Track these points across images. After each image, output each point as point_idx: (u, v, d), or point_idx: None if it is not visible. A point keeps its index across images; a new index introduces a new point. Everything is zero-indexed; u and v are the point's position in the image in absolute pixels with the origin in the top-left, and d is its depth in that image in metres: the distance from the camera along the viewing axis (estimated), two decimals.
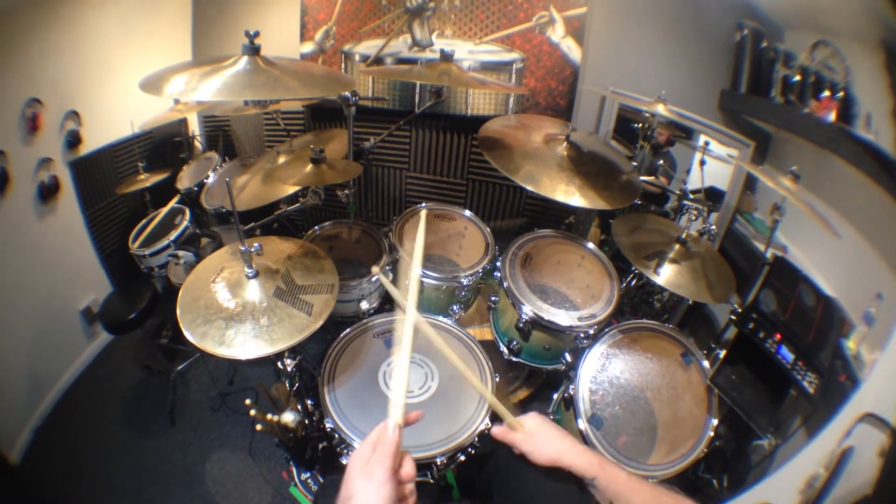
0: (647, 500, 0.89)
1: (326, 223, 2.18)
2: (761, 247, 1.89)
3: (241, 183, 2.12)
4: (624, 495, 0.91)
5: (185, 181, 2.74)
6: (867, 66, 1.62)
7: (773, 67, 2.04)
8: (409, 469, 0.79)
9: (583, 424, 1.46)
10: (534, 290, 1.80)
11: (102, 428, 2.37)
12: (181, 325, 1.33)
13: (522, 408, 2.21)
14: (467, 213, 2.24)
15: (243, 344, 1.29)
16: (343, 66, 2.90)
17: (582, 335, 1.70)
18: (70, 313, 2.57)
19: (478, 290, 2.11)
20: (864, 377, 1.41)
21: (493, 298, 1.98)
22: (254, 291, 1.42)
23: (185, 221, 2.30)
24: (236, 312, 1.36)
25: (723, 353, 1.67)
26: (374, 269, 1.85)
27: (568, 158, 1.85)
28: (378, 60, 2.82)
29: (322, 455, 1.90)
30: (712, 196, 2.35)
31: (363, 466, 0.76)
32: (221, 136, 3.24)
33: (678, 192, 2.26)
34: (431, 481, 1.37)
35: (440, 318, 1.76)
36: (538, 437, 1.02)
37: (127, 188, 2.57)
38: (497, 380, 1.54)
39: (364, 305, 1.92)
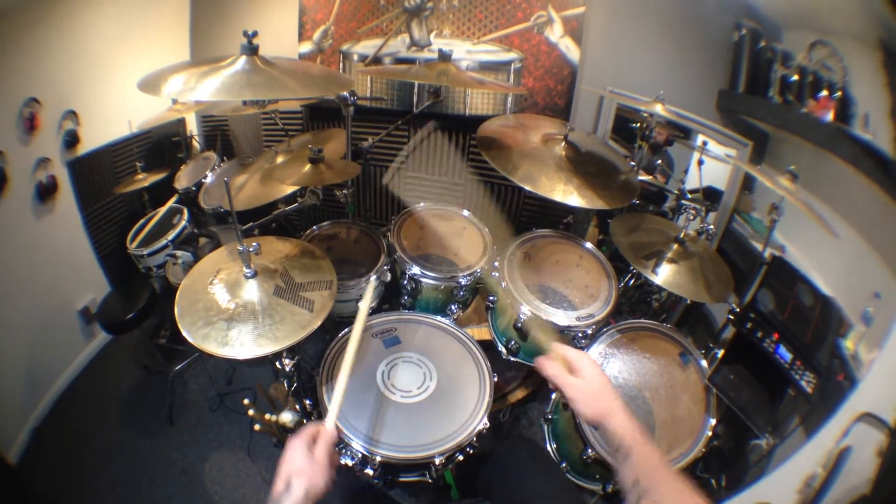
0: (671, 489, 0.81)
1: (325, 223, 2.18)
2: (759, 246, 1.89)
3: (240, 183, 2.12)
4: (652, 476, 0.82)
5: (183, 181, 2.73)
6: (865, 65, 1.62)
7: (771, 67, 2.04)
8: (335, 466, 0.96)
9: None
10: (532, 290, 1.80)
11: (101, 428, 2.37)
12: (181, 329, 1.32)
13: (520, 408, 2.21)
14: (465, 213, 2.24)
15: (246, 344, 1.29)
16: (341, 65, 2.90)
17: (580, 335, 1.69)
18: (68, 313, 2.57)
19: (476, 290, 2.11)
20: (861, 377, 1.42)
21: (491, 298, 1.98)
22: (253, 291, 1.42)
23: (183, 221, 2.30)
24: (237, 312, 1.36)
25: (721, 353, 1.67)
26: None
27: (566, 158, 1.85)
28: (376, 60, 2.82)
29: None
30: (710, 196, 2.35)
31: (306, 448, 0.94)
32: (220, 135, 3.23)
33: (676, 191, 2.27)
34: (430, 481, 1.37)
35: (438, 317, 1.76)
36: (591, 386, 0.92)
37: (125, 188, 2.57)
38: (496, 379, 1.54)
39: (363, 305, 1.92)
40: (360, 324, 1.22)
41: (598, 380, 0.92)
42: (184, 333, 1.31)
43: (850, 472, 1.12)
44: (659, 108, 2.05)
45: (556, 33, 2.56)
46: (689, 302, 2.23)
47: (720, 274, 1.76)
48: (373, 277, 1.91)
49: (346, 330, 1.66)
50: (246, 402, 1.63)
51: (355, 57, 2.85)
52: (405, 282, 1.97)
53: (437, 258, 2.24)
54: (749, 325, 1.57)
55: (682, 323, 2.41)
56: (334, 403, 1.07)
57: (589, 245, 2.00)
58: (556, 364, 0.97)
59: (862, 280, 1.63)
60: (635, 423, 0.88)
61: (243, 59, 1.29)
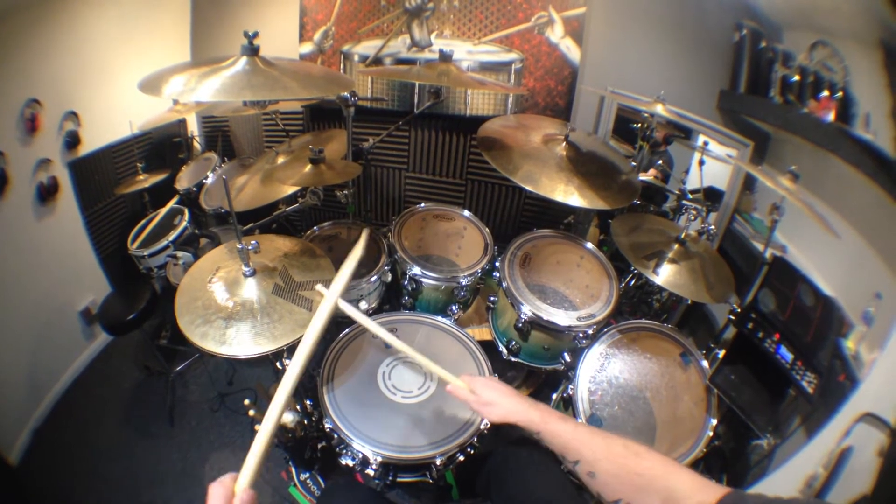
0: (597, 451, 0.89)
1: (325, 223, 2.18)
2: (760, 246, 1.89)
3: (240, 183, 2.12)
4: (571, 447, 0.93)
5: (183, 182, 2.74)
6: (866, 65, 1.62)
7: (771, 67, 2.04)
8: None
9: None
10: (533, 290, 1.80)
11: (101, 429, 2.37)
12: (180, 327, 1.33)
13: None
14: (466, 213, 2.24)
15: (245, 342, 1.29)
16: (342, 66, 2.90)
17: (581, 335, 1.70)
18: (69, 314, 2.57)
19: (477, 290, 2.11)
20: (863, 377, 1.41)
21: (491, 298, 1.98)
22: (252, 290, 1.42)
23: (183, 222, 2.31)
24: (235, 311, 1.36)
25: (722, 353, 1.67)
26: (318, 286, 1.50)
27: (567, 158, 1.85)
28: (377, 61, 2.82)
29: (321, 455, 1.90)
30: (711, 196, 2.35)
31: None
32: (220, 136, 3.24)
33: (677, 191, 2.26)
34: (430, 481, 1.37)
35: (439, 318, 1.76)
36: (486, 398, 1.09)
37: (126, 189, 2.58)
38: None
39: (363, 306, 1.92)
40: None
41: (488, 391, 1.10)
42: (183, 331, 1.31)
43: (852, 472, 1.12)
44: (660, 109, 2.06)
45: (556, 34, 2.56)
46: (689, 302, 2.23)
47: (721, 274, 1.76)
48: (374, 279, 1.91)
49: (348, 330, 1.66)
50: (247, 402, 1.63)
51: (356, 57, 2.85)
52: (406, 282, 1.97)
53: (438, 258, 2.24)
54: (750, 326, 1.57)
55: (683, 323, 2.40)
56: (253, 459, 0.85)
57: (590, 245, 2.00)
58: (461, 388, 1.15)
59: (863, 280, 1.62)
60: (535, 410, 1.02)
61: (244, 59, 1.29)
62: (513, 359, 1.85)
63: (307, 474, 2.02)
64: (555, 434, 0.96)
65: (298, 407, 1.74)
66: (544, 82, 2.68)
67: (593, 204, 1.72)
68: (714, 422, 1.49)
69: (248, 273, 1.43)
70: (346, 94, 1.83)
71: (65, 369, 2.56)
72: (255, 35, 1.31)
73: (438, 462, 1.31)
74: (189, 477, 2.15)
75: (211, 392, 2.52)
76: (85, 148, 2.49)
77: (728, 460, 1.68)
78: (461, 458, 1.36)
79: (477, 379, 1.16)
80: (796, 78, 1.91)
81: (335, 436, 1.36)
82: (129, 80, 1.62)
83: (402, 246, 2.04)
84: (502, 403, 1.07)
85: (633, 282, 2.08)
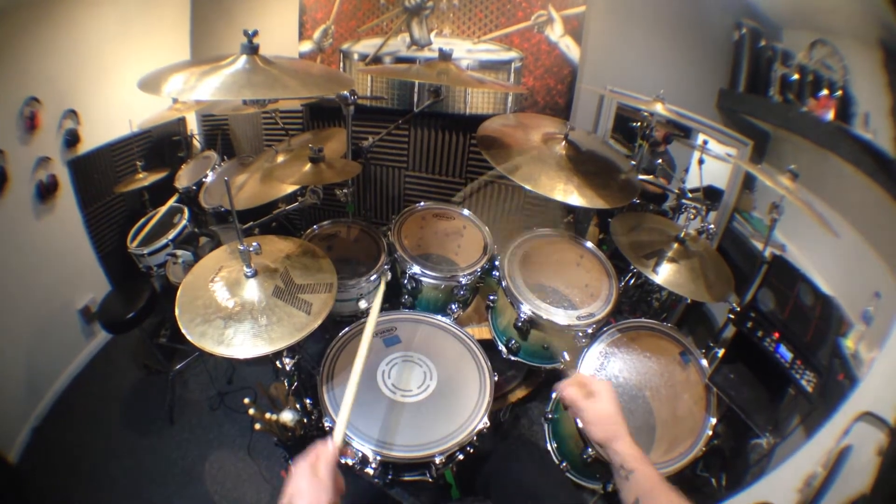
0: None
1: (325, 222, 2.18)
2: (760, 245, 1.89)
3: (240, 182, 2.12)
4: (651, 495, 0.91)
5: (183, 180, 2.73)
6: (865, 64, 1.62)
7: (771, 66, 2.04)
8: (342, 484, 0.93)
9: (581, 423, 1.46)
10: (532, 289, 1.80)
11: (101, 427, 2.38)
12: (180, 325, 1.32)
13: (520, 407, 2.21)
14: (466, 212, 2.24)
15: (242, 343, 1.29)
16: (341, 65, 2.89)
17: (580, 334, 1.70)
18: (68, 313, 2.57)
19: (476, 289, 2.10)
20: (862, 376, 1.41)
21: (491, 297, 1.97)
22: (252, 291, 1.41)
23: (183, 220, 2.30)
24: (235, 312, 1.36)
25: (721, 352, 1.67)
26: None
27: (566, 157, 1.85)
28: (376, 59, 2.82)
29: None
30: (711, 195, 2.35)
31: (309, 469, 0.90)
32: (220, 134, 3.23)
33: (677, 190, 2.26)
34: (430, 480, 1.37)
35: (438, 317, 1.76)
36: (605, 411, 1.01)
37: (125, 187, 2.57)
38: (496, 379, 1.54)
39: (363, 305, 1.92)
40: (370, 328, 1.26)
41: (612, 406, 1.01)
42: (182, 330, 1.31)
43: (851, 471, 1.12)
44: (659, 108, 2.05)
45: (556, 32, 2.56)
46: (689, 301, 2.23)
47: (720, 273, 1.76)
48: (374, 277, 1.91)
49: (347, 329, 1.66)
50: (246, 401, 1.63)
51: (355, 56, 2.85)
52: (405, 281, 1.97)
53: (438, 257, 2.24)
54: (749, 325, 1.57)
55: (683, 322, 2.41)
56: (340, 421, 1.07)
57: (589, 244, 1.99)
58: (574, 388, 1.05)
59: (862, 279, 1.63)
60: (638, 447, 0.97)
61: (243, 58, 1.29)
62: (512, 358, 1.85)
63: None
64: (648, 477, 0.94)
65: (298, 406, 1.73)
66: (544, 81, 2.68)
67: (592, 203, 1.72)
68: (713, 421, 1.49)
69: (249, 274, 1.43)
70: (345, 92, 1.82)
71: (64, 367, 2.56)
72: (255, 34, 1.30)
73: (438, 461, 1.31)
74: (188, 475, 2.15)
75: (210, 390, 2.52)
76: (84, 146, 2.49)
77: (727, 459, 1.69)
78: (461, 457, 1.37)
79: (597, 382, 1.09)
80: (796, 77, 1.91)
81: None
82: (128, 79, 1.62)
83: (401, 245, 2.04)
84: (615, 424, 1.00)
85: (632, 281, 2.08)
